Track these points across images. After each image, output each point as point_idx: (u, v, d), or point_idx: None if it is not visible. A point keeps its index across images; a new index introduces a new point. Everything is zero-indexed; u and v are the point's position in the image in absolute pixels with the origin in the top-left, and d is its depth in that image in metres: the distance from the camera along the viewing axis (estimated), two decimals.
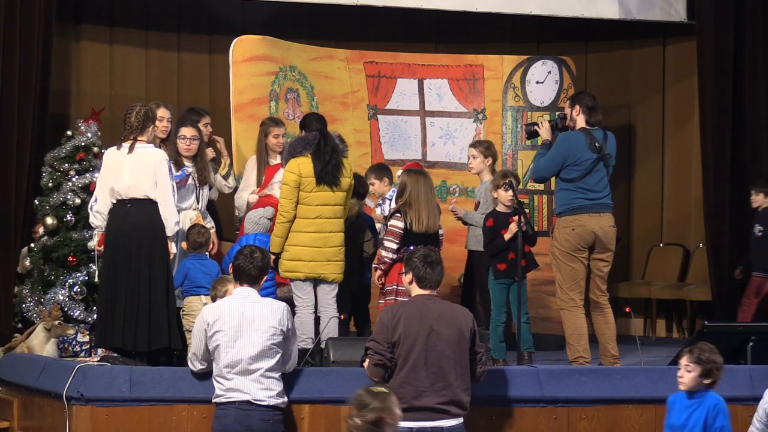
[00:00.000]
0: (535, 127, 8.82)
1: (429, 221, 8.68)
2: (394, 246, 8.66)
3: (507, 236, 8.81)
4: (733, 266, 10.73)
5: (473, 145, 9.78)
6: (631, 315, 8.75)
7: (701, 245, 11.73)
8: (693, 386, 6.43)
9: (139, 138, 8.10)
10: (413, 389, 6.60)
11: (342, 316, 8.69)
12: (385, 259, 8.69)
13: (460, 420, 6.71)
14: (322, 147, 8.54)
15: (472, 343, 6.74)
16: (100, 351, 8.54)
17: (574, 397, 7.75)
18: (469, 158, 9.78)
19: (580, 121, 8.56)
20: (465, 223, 9.64)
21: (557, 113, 8.84)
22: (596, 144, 8.45)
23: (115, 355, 8.01)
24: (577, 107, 8.56)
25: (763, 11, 10.87)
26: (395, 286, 8.64)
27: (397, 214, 8.71)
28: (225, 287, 7.86)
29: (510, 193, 8.90)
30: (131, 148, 8.07)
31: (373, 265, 8.96)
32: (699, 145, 11.08)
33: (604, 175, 8.50)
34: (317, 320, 8.56)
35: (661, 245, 12.54)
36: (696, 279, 11.85)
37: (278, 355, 7.09)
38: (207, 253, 8.83)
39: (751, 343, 8.23)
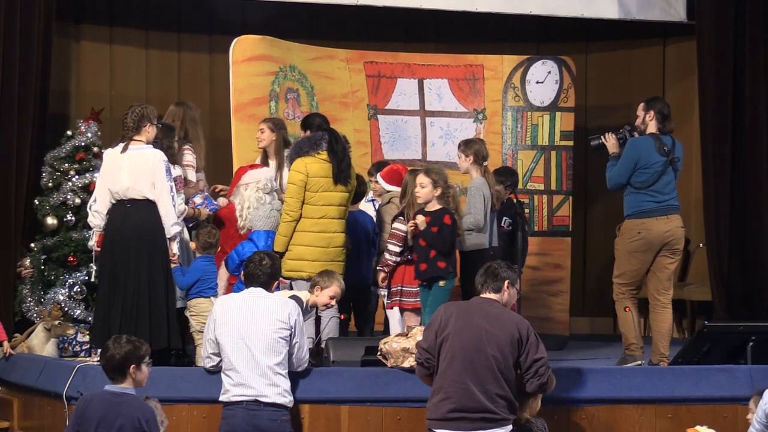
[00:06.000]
0: (601, 140, 8.89)
1: None
2: (397, 249, 8.64)
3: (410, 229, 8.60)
4: (734, 266, 10.72)
5: (458, 146, 9.78)
6: (631, 315, 8.75)
7: (701, 245, 11.71)
8: None
9: (135, 138, 8.10)
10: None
11: (342, 316, 8.68)
12: (389, 262, 8.67)
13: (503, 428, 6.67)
14: (334, 146, 8.53)
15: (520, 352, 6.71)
16: (100, 351, 8.52)
17: (574, 397, 7.75)
18: None
19: (652, 126, 8.72)
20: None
21: (626, 125, 8.89)
22: (665, 148, 8.62)
23: None
24: (652, 113, 8.72)
25: (763, 11, 10.86)
26: (400, 287, 8.63)
27: (400, 217, 8.69)
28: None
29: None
30: (124, 148, 8.08)
31: (377, 268, 8.94)
32: (699, 145, 11.06)
33: (672, 179, 8.69)
34: (318, 320, 8.55)
35: None
36: (696, 279, 11.83)
37: (285, 351, 7.12)
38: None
39: (751, 343, 8.23)
